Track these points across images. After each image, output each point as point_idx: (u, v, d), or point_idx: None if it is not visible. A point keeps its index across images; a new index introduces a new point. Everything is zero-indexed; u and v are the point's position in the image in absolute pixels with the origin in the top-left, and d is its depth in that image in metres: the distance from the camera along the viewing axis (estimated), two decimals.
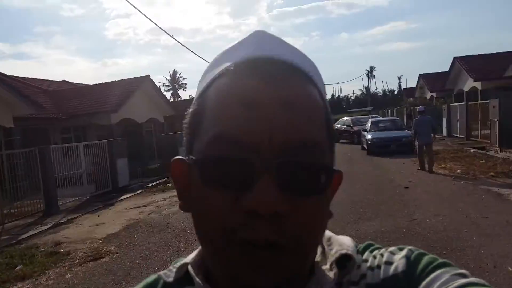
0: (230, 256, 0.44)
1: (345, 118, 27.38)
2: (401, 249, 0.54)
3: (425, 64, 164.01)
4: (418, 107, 14.52)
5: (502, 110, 14.65)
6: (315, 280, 0.52)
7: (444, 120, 22.58)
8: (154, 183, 14.06)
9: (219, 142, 0.44)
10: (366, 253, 0.55)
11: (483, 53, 29.42)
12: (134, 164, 15.55)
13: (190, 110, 0.50)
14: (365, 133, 18.50)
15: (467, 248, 5.32)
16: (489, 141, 15.74)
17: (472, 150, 15.00)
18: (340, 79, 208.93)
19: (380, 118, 24.92)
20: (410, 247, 0.54)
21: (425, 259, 0.51)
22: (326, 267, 0.53)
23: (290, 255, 0.44)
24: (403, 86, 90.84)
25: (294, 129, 0.43)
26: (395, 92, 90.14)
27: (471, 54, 30.77)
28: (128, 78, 22.14)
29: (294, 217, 0.43)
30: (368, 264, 0.53)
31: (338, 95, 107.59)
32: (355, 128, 23.72)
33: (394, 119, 20.51)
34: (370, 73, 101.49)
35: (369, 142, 17.24)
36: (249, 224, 0.42)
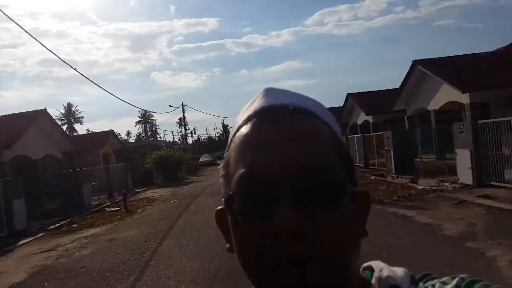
0: (265, 279, 0.50)
1: None
2: (453, 278, 0.54)
3: (321, 99, 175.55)
4: None
5: (395, 140, 16.28)
6: None
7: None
8: (57, 224, 12.84)
9: (242, 180, 0.52)
10: (421, 284, 0.56)
11: (371, 90, 32.67)
12: (32, 205, 14.08)
13: (223, 158, 0.59)
14: None
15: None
16: (385, 169, 17.29)
17: (372, 177, 16.34)
18: None
19: None
20: (462, 276, 0.54)
21: (475, 286, 0.52)
22: None
23: (319, 272, 0.48)
24: None
25: (300, 157, 0.50)
26: None
27: (361, 90, 33.93)
28: (22, 112, 20.56)
29: (317, 234, 0.48)
30: None
31: None
32: None
33: None
34: None
35: None
36: (276, 246, 0.48)
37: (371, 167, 20.49)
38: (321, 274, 0.49)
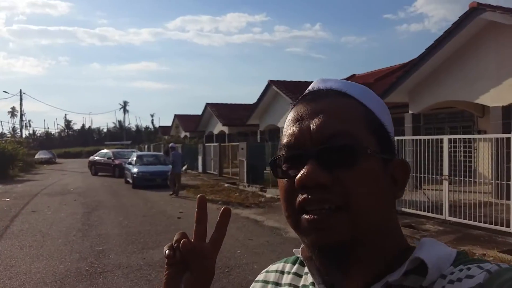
0: (295, 220, 0.61)
1: (105, 151, 26.65)
2: (491, 264, 0.55)
3: (178, 105, 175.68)
4: (170, 144, 16.38)
5: (248, 152, 17.40)
6: (394, 273, 0.58)
7: (200, 158, 24.87)
8: None
9: (283, 148, 0.65)
10: (460, 266, 0.56)
11: (229, 102, 34.12)
12: None
13: None
14: (130, 166, 18.56)
15: (243, 265, 6.22)
16: (238, 177, 18.29)
17: (226, 185, 17.12)
18: (92, 110, 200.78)
19: (146, 152, 25.43)
20: (502, 264, 0.55)
21: (509, 274, 0.52)
22: (404, 268, 0.58)
23: (340, 217, 0.58)
24: (156, 123, 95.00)
25: (324, 126, 0.61)
26: (150, 129, 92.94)
27: (219, 102, 35.17)
28: None
29: (337, 186, 0.58)
30: (452, 276, 0.55)
31: (89, 126, 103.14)
32: (117, 161, 23.38)
33: (158, 154, 21.33)
34: (124, 108, 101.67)
35: (134, 175, 17.36)
36: (303, 194, 0.59)
37: (225, 175, 21.37)
38: (341, 217, 0.58)
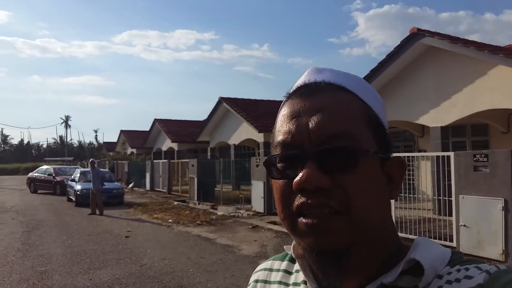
0: (292, 222, 0.59)
1: (45, 167, 25.27)
2: (490, 265, 0.55)
3: (125, 121, 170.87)
4: (91, 159, 15.84)
5: (199, 169, 17.22)
6: (389, 274, 0.58)
7: (148, 175, 24.23)
8: None
9: (278, 147, 0.61)
10: (457, 266, 0.56)
11: (178, 118, 33.74)
12: None
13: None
14: (73, 183, 17.73)
15: (197, 284, 6.09)
16: (188, 195, 18.00)
17: (176, 203, 16.77)
18: (31, 125, 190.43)
19: (90, 169, 24.36)
20: (500, 265, 0.55)
21: (509, 276, 0.51)
22: (399, 269, 0.57)
23: (339, 221, 0.56)
24: (100, 139, 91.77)
25: (324, 126, 0.58)
26: (93, 145, 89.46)
27: (167, 118, 34.70)
28: None
29: (337, 189, 0.56)
30: (449, 277, 0.55)
31: (28, 141, 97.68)
32: (58, 178, 22.24)
33: (104, 171, 20.53)
34: (66, 122, 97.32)
35: (78, 193, 16.60)
36: (301, 198, 0.57)
37: (174, 193, 20.95)
38: (341, 221, 0.56)
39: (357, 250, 0.58)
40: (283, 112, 0.63)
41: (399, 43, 11.09)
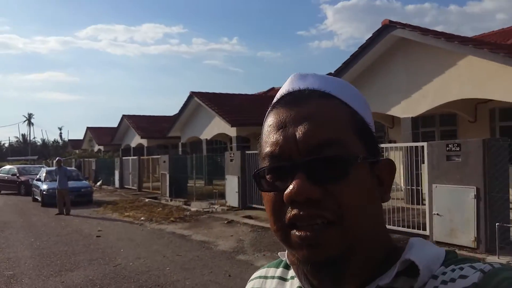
0: (284, 234, 0.59)
1: (8, 167, 24.30)
2: (484, 264, 0.55)
3: (91, 117, 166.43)
4: (57, 158, 15.22)
5: (171, 165, 16.92)
6: (384, 276, 0.58)
7: (117, 173, 23.63)
8: None
9: (266, 159, 0.60)
10: (452, 266, 0.56)
11: (147, 114, 33.11)
12: None
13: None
14: (39, 183, 17.05)
15: (175, 282, 5.92)
16: (159, 192, 17.67)
17: (147, 200, 16.42)
18: None
19: (56, 168, 23.51)
20: (494, 263, 0.55)
21: (504, 274, 0.51)
22: (395, 271, 0.57)
23: (333, 232, 0.55)
24: (65, 137, 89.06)
25: (312, 135, 0.57)
26: (58, 143, 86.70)
27: (136, 113, 33.98)
28: None
29: (327, 200, 0.55)
30: (444, 277, 0.55)
31: None
32: (22, 178, 21.39)
33: (71, 169, 19.86)
34: (28, 120, 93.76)
35: (44, 192, 15.96)
36: (293, 210, 0.57)
37: (145, 190, 20.52)
38: (334, 232, 0.55)
39: (352, 257, 0.58)
40: (269, 123, 0.62)
41: (371, 35, 11.21)
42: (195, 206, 13.78)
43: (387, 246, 0.63)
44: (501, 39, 13.29)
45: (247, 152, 12.97)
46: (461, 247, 6.68)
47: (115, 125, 34.02)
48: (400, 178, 11.38)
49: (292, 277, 0.70)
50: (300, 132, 0.57)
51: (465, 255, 0.63)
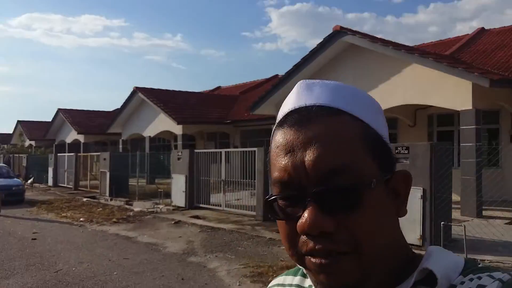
0: (301, 259, 0.58)
1: None
2: (503, 273, 0.55)
3: (22, 110, 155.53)
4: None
5: (112, 162, 16.16)
6: (402, 286, 0.58)
7: (51, 170, 22.21)
8: None
9: (276, 185, 0.59)
10: (470, 275, 0.56)
11: (83, 108, 31.47)
12: None
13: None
14: None
15: (125, 287, 5.60)
16: (98, 191, 16.82)
17: (85, 199, 15.56)
18: None
19: None
20: (511, 272, 0.55)
21: None
22: (412, 280, 0.57)
23: (349, 261, 0.55)
24: None
25: (321, 161, 0.55)
26: None
27: (73, 108, 32.21)
28: None
29: (343, 232, 0.54)
30: (462, 286, 0.54)
31: None
32: None
33: (1, 165, 18.35)
34: None
35: None
36: (308, 242, 0.55)
37: (81, 188, 19.47)
38: (351, 263, 0.54)
39: (370, 278, 0.56)
40: (276, 143, 0.60)
41: (317, 40, 11.49)
42: (138, 206, 13.28)
43: (406, 256, 0.61)
44: (438, 49, 14.13)
45: (195, 150, 12.70)
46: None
47: (49, 119, 32.05)
48: None
49: (310, 286, 0.69)
50: (309, 158, 0.55)
51: (485, 264, 0.60)
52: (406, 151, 7.12)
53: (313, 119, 0.57)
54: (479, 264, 0.59)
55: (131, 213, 12.06)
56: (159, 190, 13.94)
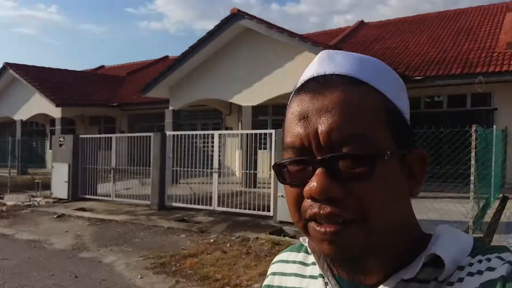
0: (305, 225, 0.57)
1: None
2: (510, 253, 0.54)
3: None
4: None
5: None
6: (409, 268, 0.57)
7: None
8: None
9: (288, 150, 0.58)
10: (478, 256, 0.55)
11: None
12: None
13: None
14: None
15: None
16: None
17: None
18: None
19: None
20: None
21: None
22: (420, 264, 0.56)
23: (355, 230, 0.53)
24: None
25: (335, 129, 0.53)
26: None
27: None
28: None
29: (351, 200, 0.53)
30: (471, 268, 0.54)
31: None
32: None
33: None
34: None
35: None
36: (313, 206, 0.55)
37: None
38: (356, 232, 0.53)
39: (376, 253, 0.57)
40: (292, 110, 0.59)
41: (219, 22, 11.25)
42: (11, 200, 11.78)
43: (415, 236, 0.61)
44: (322, 40, 15.03)
45: (81, 136, 11.64)
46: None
47: None
48: (236, 163, 11.88)
49: (314, 263, 0.69)
50: (322, 125, 0.54)
51: (494, 245, 0.59)
52: None
53: (331, 87, 0.56)
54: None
55: (4, 208, 10.63)
56: (36, 181, 12.53)
